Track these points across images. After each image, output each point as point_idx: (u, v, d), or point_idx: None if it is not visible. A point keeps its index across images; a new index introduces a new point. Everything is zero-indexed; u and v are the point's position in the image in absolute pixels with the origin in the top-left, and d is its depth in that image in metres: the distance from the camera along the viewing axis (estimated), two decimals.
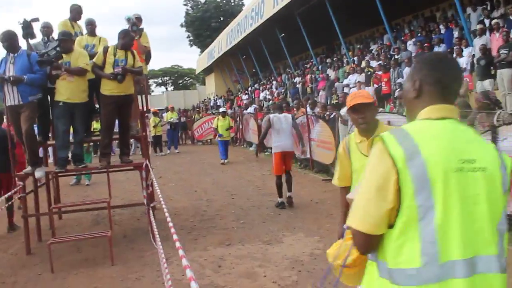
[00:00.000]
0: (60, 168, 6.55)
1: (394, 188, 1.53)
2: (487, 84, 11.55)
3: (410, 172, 1.51)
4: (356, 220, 1.61)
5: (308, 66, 26.45)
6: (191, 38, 50.44)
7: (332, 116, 10.87)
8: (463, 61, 12.71)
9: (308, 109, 14.03)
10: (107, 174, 7.11)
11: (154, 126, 18.39)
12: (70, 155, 6.92)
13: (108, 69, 6.63)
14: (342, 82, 19.09)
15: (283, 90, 24.25)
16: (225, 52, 33.96)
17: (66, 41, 6.59)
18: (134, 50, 7.05)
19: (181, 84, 61.33)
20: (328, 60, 24.19)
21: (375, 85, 16.06)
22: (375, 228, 1.57)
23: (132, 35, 7.03)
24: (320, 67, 23.34)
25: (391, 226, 1.57)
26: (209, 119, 22.03)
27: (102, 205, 7.10)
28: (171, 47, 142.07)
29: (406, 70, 14.41)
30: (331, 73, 20.46)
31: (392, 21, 22.52)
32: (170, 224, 3.46)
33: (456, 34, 15.12)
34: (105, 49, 6.74)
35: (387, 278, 1.57)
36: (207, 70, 43.54)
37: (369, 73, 16.53)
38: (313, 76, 22.25)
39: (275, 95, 23.72)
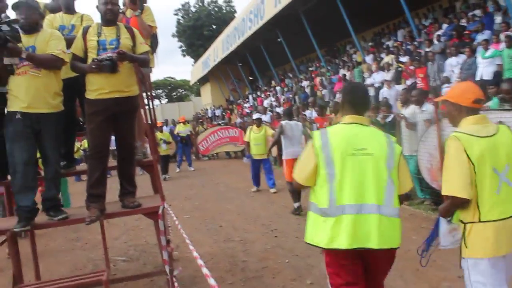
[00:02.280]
0: (21, 226, 3.76)
1: (315, 163, 2.72)
2: None
3: (322, 155, 2.70)
4: (295, 174, 2.87)
5: (313, 69, 23.85)
6: (183, 48, 47.61)
7: (389, 119, 8.13)
8: None
9: (314, 113, 11.42)
10: (101, 226, 4.27)
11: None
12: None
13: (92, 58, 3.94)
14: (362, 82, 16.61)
15: (291, 96, 21.54)
16: (221, 60, 31.22)
17: (29, 12, 3.88)
18: (133, 28, 4.32)
19: (175, 97, 58.41)
20: (336, 61, 21.71)
21: (407, 82, 13.43)
22: (303, 180, 2.80)
23: None
24: (329, 68, 20.74)
25: (316, 184, 2.75)
26: (214, 131, 19.16)
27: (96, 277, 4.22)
28: (163, 60, 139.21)
29: (450, 61, 11.80)
30: (344, 73, 17.78)
31: (405, 15, 20.08)
32: None
33: (499, 19, 12.58)
34: (85, 30, 4.07)
35: (315, 212, 2.74)
36: (203, 80, 40.70)
37: (399, 69, 13.87)
38: (323, 78, 19.61)
39: (282, 101, 20.98)
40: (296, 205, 7.94)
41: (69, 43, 4.13)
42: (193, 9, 46.93)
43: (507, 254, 2.61)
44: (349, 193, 2.61)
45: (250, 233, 7.04)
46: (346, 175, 2.63)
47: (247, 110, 26.52)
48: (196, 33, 44.32)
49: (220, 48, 30.87)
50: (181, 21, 46.61)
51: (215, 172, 15.77)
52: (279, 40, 23.73)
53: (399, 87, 13.44)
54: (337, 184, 2.63)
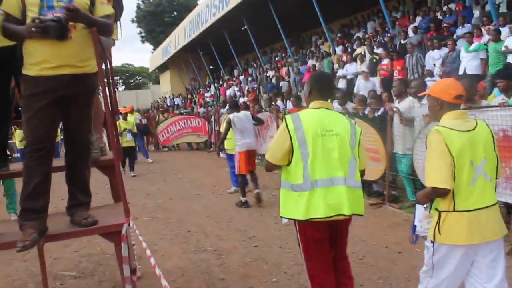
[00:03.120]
0: None
1: (289, 144, 2.93)
2: None
3: (296, 137, 2.92)
4: (267, 156, 3.07)
5: (278, 58, 22.94)
6: (143, 34, 45.58)
7: (380, 113, 7.25)
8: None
9: (290, 105, 10.57)
10: (39, 251, 3.09)
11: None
12: None
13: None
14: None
15: (255, 85, 20.53)
16: (182, 47, 29.77)
17: None
18: None
19: (132, 84, 56.14)
20: (303, 51, 20.87)
21: (381, 75, 12.70)
22: (276, 161, 3.02)
23: None
24: (296, 58, 19.86)
25: (289, 163, 2.96)
26: (176, 120, 17.80)
27: None
28: (121, 46, 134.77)
29: (432, 55, 11.13)
30: (312, 64, 16.92)
31: (377, 6, 19.46)
32: None
33: (477, 13, 12.01)
34: None
35: (289, 189, 2.97)
36: (162, 68, 38.97)
37: (374, 60, 13.10)
38: (290, 68, 18.71)
39: (246, 91, 19.94)
40: (243, 199, 7.83)
41: None
42: None
43: (479, 244, 2.71)
44: (320, 169, 2.89)
45: (224, 240, 5.99)
46: (317, 153, 2.90)
47: (209, 100, 25.36)
48: (156, 19, 42.53)
49: (181, 35, 29.42)
50: (141, 6, 44.56)
51: (177, 165, 14.47)
52: (243, 28, 22.65)
53: (375, 79, 12.73)
54: (310, 162, 2.88)
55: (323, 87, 3.14)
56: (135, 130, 13.32)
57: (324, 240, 3.01)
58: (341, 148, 2.94)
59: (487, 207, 2.72)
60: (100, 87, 3.19)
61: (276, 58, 23.18)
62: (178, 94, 32.40)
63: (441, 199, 2.75)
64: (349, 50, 15.57)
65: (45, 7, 2.83)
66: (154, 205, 8.49)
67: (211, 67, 32.32)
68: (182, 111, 20.64)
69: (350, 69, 13.86)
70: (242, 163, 7.82)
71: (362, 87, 12.21)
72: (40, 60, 2.80)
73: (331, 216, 2.85)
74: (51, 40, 2.74)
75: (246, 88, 20.51)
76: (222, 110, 15.63)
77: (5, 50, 3.15)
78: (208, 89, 28.22)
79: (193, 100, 28.46)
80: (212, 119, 15.55)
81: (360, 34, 17.65)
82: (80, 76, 2.90)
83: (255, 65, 24.74)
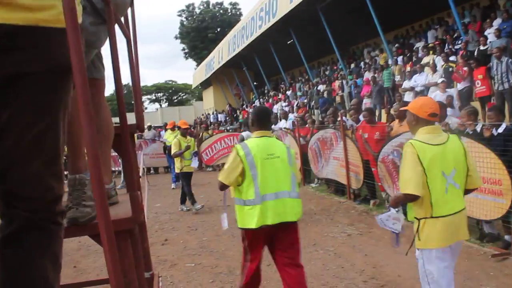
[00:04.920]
0: None
1: (241, 168, 3.51)
2: None
3: (246, 161, 3.51)
4: (222, 178, 3.61)
5: (328, 72, 21.10)
6: (186, 50, 44.71)
7: (501, 130, 5.25)
8: None
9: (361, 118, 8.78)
10: None
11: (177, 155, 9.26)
12: None
13: None
14: (388, 86, 13.89)
15: (305, 100, 18.71)
16: (226, 62, 28.39)
17: None
18: None
19: (175, 100, 55.42)
20: (353, 64, 19.00)
21: (459, 85, 10.65)
22: (229, 182, 3.57)
23: None
24: (350, 70, 18.01)
25: (241, 184, 3.55)
26: (221, 138, 16.09)
27: None
28: (165, 64, 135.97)
29: None
30: (371, 76, 15.00)
31: (436, 14, 17.46)
32: None
33: None
34: None
35: (242, 204, 3.56)
36: (205, 84, 37.84)
37: (450, 69, 11.06)
38: (344, 82, 16.84)
39: (296, 106, 18.12)
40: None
41: None
42: (198, 11, 44.21)
43: (453, 243, 3.04)
44: (268, 186, 3.54)
45: None
46: (264, 173, 3.55)
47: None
48: (199, 36, 41.65)
49: (225, 50, 28.08)
50: (185, 23, 43.84)
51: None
52: (289, 42, 21.00)
53: (451, 91, 10.69)
54: (259, 181, 3.52)
55: (263, 120, 3.81)
56: (195, 149, 10.09)
57: (260, 247, 3.69)
58: (282, 167, 3.64)
59: (459, 211, 3.05)
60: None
61: (326, 72, 21.31)
62: (222, 111, 30.99)
63: (418, 207, 3.04)
64: (415, 59, 13.57)
65: None
66: (198, 244, 6.72)
67: (255, 83, 30.82)
68: (228, 128, 18.98)
69: (420, 80, 11.83)
70: None
71: (439, 99, 10.16)
72: None
73: (279, 223, 3.53)
74: None
75: (296, 103, 18.69)
76: (273, 126, 13.86)
77: None
78: (252, 105, 26.64)
79: (236, 116, 26.95)
80: None
81: (420, 44, 15.62)
82: (25, 31, 1.21)
83: (302, 79, 22.98)
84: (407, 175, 2.98)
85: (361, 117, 8.59)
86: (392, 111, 9.04)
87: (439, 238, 2.97)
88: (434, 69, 11.64)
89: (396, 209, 3.21)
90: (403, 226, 3.27)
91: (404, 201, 3.12)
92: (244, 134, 7.76)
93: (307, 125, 11.04)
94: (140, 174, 11.41)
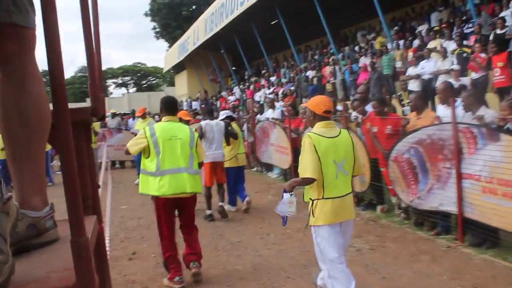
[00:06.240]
0: None
1: (144, 144, 4.83)
2: None
3: (151, 141, 4.82)
4: (128, 145, 5.03)
5: (317, 57, 20.32)
6: (157, 29, 43.33)
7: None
8: None
9: (354, 112, 8.03)
10: None
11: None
12: None
13: None
14: (388, 73, 13.19)
15: (292, 87, 17.89)
16: (202, 44, 27.31)
17: None
18: None
19: (145, 85, 54.15)
20: (347, 48, 18.32)
21: (475, 74, 9.96)
22: (133, 152, 4.99)
23: None
24: (342, 55, 17.29)
25: (148, 157, 4.83)
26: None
27: None
28: (133, 45, 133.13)
29: None
30: (367, 61, 14.27)
31: None
32: None
33: None
34: None
35: (147, 174, 4.81)
36: (178, 67, 36.64)
37: (464, 55, 10.35)
38: (336, 67, 16.09)
39: (282, 94, 17.28)
40: (208, 212, 7.85)
41: None
42: None
43: (342, 222, 3.81)
44: (168, 162, 4.75)
45: None
46: (166, 151, 4.77)
47: (233, 104, 22.81)
48: (173, 13, 40.35)
49: (202, 30, 26.98)
50: None
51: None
52: (273, 22, 20.14)
53: (465, 79, 10.02)
54: (161, 157, 4.74)
55: (169, 107, 5.21)
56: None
57: (171, 211, 4.96)
58: (183, 148, 4.88)
59: (346, 195, 3.83)
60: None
61: (315, 57, 20.52)
62: (196, 98, 29.93)
63: (313, 190, 3.81)
64: (420, 44, 12.88)
65: None
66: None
67: (233, 67, 29.85)
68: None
69: (428, 66, 11.10)
70: (206, 175, 7.83)
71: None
72: None
73: (177, 194, 4.74)
74: None
75: (282, 90, 17.84)
76: (259, 116, 12.92)
77: None
78: (231, 92, 25.69)
79: (212, 103, 26.00)
80: (245, 127, 12.79)
81: (423, 27, 14.94)
82: None
83: (288, 64, 22.15)
84: (306, 162, 3.71)
85: (368, 108, 7.79)
86: (406, 102, 8.25)
87: (329, 216, 3.73)
88: (444, 54, 10.94)
89: (290, 193, 3.75)
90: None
91: (301, 184, 3.82)
92: (203, 123, 7.85)
93: (299, 115, 10.20)
94: (103, 168, 10.43)
